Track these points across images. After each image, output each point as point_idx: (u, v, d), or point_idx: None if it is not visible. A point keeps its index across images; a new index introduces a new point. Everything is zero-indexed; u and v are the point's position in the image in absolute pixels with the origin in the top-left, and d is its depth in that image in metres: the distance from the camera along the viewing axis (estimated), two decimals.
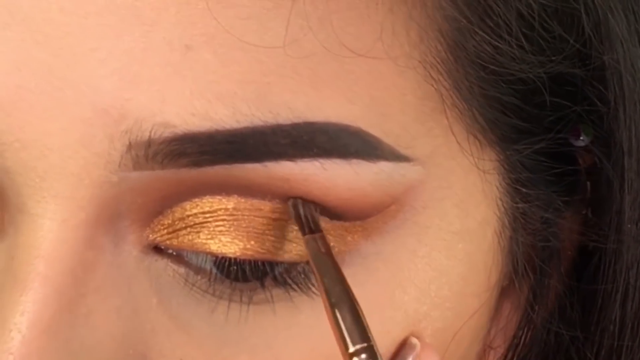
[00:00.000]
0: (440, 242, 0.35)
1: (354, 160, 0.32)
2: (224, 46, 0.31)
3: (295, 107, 0.31)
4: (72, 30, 0.31)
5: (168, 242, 0.33)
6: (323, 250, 0.32)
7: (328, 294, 0.31)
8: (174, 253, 0.33)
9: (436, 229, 0.35)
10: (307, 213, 0.32)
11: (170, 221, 0.33)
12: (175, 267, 0.33)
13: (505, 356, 0.40)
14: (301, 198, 0.32)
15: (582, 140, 0.38)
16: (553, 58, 0.34)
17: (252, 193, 0.32)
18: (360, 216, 0.33)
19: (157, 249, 0.33)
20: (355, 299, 0.31)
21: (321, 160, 0.32)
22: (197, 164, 0.31)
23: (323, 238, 0.32)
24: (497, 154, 0.36)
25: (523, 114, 0.35)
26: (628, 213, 0.38)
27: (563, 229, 0.39)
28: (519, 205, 0.37)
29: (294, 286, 0.33)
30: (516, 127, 0.35)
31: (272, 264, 0.33)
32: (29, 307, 0.31)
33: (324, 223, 0.33)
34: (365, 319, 0.32)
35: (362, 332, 0.31)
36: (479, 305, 0.37)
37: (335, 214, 0.33)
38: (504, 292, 0.39)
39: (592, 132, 0.38)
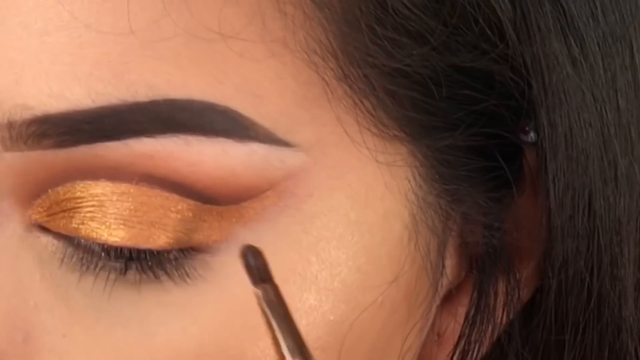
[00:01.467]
0: (330, 233, 0.34)
1: (222, 139, 0.32)
2: (79, 30, 0.32)
3: (155, 85, 0.32)
4: None
5: (47, 224, 0.33)
6: (275, 300, 0.31)
7: (280, 347, 0.31)
8: (56, 230, 0.34)
9: (324, 219, 0.34)
10: (258, 263, 0.32)
11: (47, 204, 0.33)
12: (56, 242, 0.34)
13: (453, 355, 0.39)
14: (169, 179, 0.32)
15: (531, 137, 0.37)
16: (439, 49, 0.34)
17: (119, 176, 0.32)
18: (233, 199, 0.33)
19: (40, 227, 0.34)
20: (309, 353, 0.31)
21: (182, 137, 0.32)
22: (60, 144, 0.32)
23: (275, 288, 0.31)
24: (407, 148, 0.35)
25: (427, 108, 0.35)
26: (554, 208, 0.37)
27: (508, 223, 0.38)
28: (439, 200, 0.36)
29: (163, 273, 0.33)
30: (422, 121, 0.35)
31: (140, 251, 0.33)
32: None
33: (196, 208, 0.33)
34: None
35: None
36: (385, 300, 0.35)
37: (207, 196, 0.33)
38: (455, 284, 0.38)
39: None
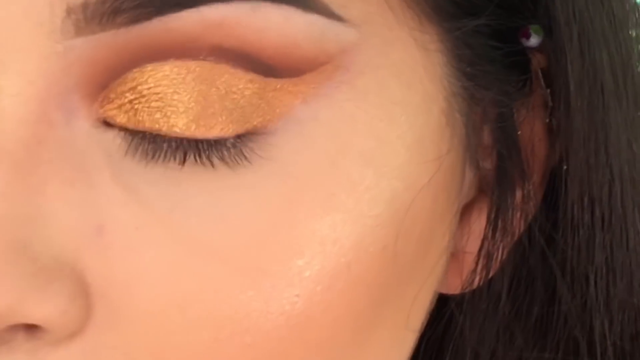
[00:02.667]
0: (380, 111, 0.35)
1: (285, 7, 0.33)
2: None
3: None
4: None
5: (114, 117, 0.34)
6: None
7: None
8: (122, 124, 0.34)
9: (375, 97, 0.35)
10: None
11: (113, 95, 0.34)
12: (122, 135, 0.34)
13: (478, 260, 0.40)
14: (237, 48, 0.33)
15: (532, 41, 0.39)
16: None
17: (188, 51, 0.33)
18: (294, 71, 0.34)
19: (106, 122, 0.34)
20: None
21: (251, 3, 0.33)
22: (134, 19, 0.32)
23: None
24: (438, 31, 0.36)
25: None
26: (572, 92, 0.38)
27: (521, 124, 0.39)
28: (466, 85, 0.37)
29: (225, 158, 0.34)
30: (453, 1, 0.36)
31: (206, 141, 0.34)
32: None
33: (259, 83, 0.33)
34: None
35: None
36: (429, 180, 0.36)
37: (270, 66, 0.33)
38: (469, 200, 0.39)
39: (542, 31, 0.39)
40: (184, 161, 0.34)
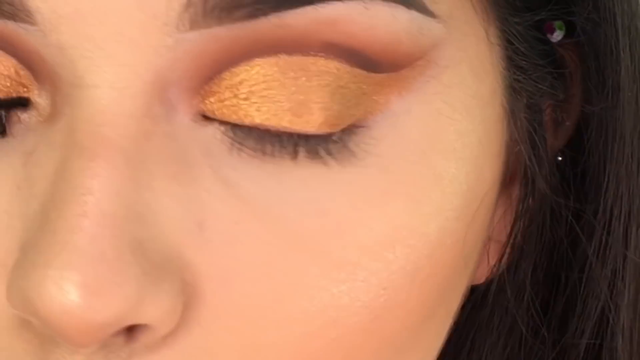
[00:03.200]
0: (461, 104, 0.36)
1: (392, 4, 0.33)
2: None
3: None
4: None
5: (215, 112, 0.33)
6: None
7: None
8: (222, 118, 0.34)
9: (456, 90, 0.36)
10: None
11: (217, 89, 0.33)
12: (222, 130, 0.34)
13: (505, 249, 0.41)
14: (346, 45, 0.33)
15: (556, 36, 0.40)
16: None
17: (299, 47, 0.33)
18: (394, 66, 0.34)
19: (206, 117, 0.34)
20: None
21: (364, 1, 0.33)
22: (252, 15, 0.32)
23: None
24: (502, 26, 0.37)
25: None
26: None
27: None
28: (518, 78, 0.38)
29: (330, 154, 0.34)
30: None
31: (308, 137, 0.34)
32: (99, 171, 0.32)
33: (363, 77, 0.34)
34: None
35: None
36: (492, 176, 0.38)
37: (374, 62, 0.34)
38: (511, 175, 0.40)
39: (564, 27, 0.40)
40: (292, 156, 0.34)
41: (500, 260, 0.41)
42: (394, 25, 0.33)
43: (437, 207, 0.35)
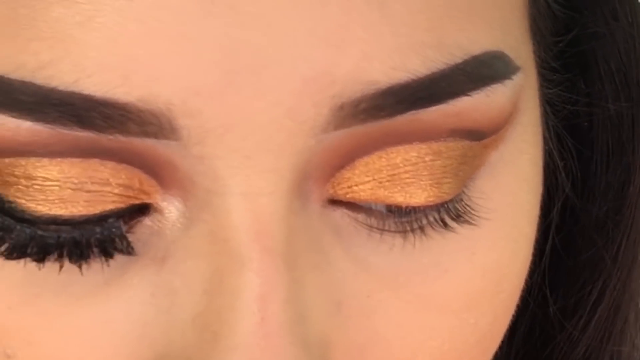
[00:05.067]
0: (531, 138, 0.38)
1: (501, 82, 0.35)
2: None
3: (463, 45, 0.33)
4: (278, 5, 0.31)
5: (348, 195, 0.34)
6: None
7: None
8: (352, 201, 0.34)
9: (530, 126, 0.38)
10: None
11: (350, 175, 0.34)
12: (350, 213, 0.34)
13: None
14: (466, 128, 0.34)
15: None
16: None
17: (430, 135, 0.34)
18: (496, 130, 0.36)
19: (333, 201, 0.34)
20: None
21: (485, 89, 0.34)
22: (392, 114, 0.33)
23: None
24: (535, 45, 0.39)
25: (556, 11, 0.40)
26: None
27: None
28: (548, 92, 0.41)
29: (462, 217, 0.36)
30: (553, 19, 0.40)
31: (444, 204, 0.35)
32: (267, 279, 0.32)
33: (474, 146, 0.35)
34: None
35: None
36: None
37: (484, 134, 0.35)
38: None
39: None
40: (414, 227, 0.35)
41: None
42: (503, 101, 0.35)
43: (528, 240, 0.38)
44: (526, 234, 0.38)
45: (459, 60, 0.33)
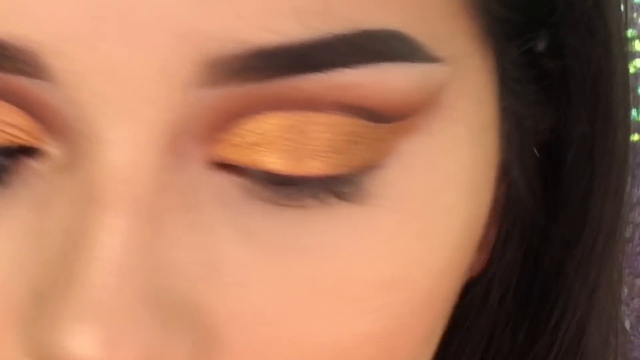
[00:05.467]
0: (463, 138, 0.37)
1: (401, 63, 0.34)
2: None
3: (354, 17, 0.33)
4: None
5: (230, 159, 0.34)
6: None
7: None
8: (234, 164, 0.34)
9: (460, 125, 0.37)
10: None
11: (231, 137, 0.34)
12: (235, 178, 0.34)
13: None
14: (355, 105, 0.34)
15: (540, 45, 0.41)
16: None
17: (311, 106, 0.33)
18: (402, 116, 0.35)
19: (218, 164, 0.34)
20: None
21: (374, 65, 0.34)
22: (268, 77, 0.32)
23: None
24: (498, 54, 0.38)
25: (521, 7, 0.38)
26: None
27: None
28: (511, 103, 0.39)
29: (347, 196, 0.35)
30: (514, 23, 0.38)
31: (326, 177, 0.34)
32: (117, 227, 0.32)
33: (374, 129, 0.35)
34: None
35: None
36: (490, 200, 0.39)
37: (384, 117, 0.35)
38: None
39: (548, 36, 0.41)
40: (305, 201, 0.34)
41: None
42: (403, 83, 0.34)
43: (443, 241, 0.37)
44: (445, 237, 0.37)
45: (345, 31, 0.33)
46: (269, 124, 0.34)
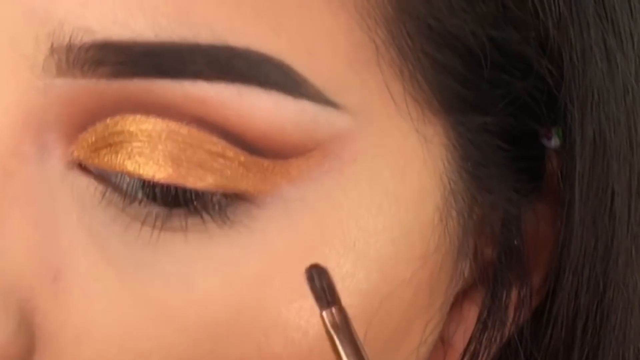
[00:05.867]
0: (369, 201, 0.34)
1: (274, 93, 0.32)
2: None
3: (216, 29, 0.32)
4: None
5: (90, 160, 0.33)
6: (342, 324, 0.31)
7: None
8: (97, 172, 0.33)
9: (365, 185, 0.34)
10: (324, 284, 0.32)
11: (93, 139, 0.33)
12: (96, 184, 0.33)
13: (463, 357, 0.39)
14: (219, 125, 0.32)
15: (553, 142, 0.37)
16: (485, 15, 0.34)
17: (170, 114, 0.32)
18: (280, 155, 0.33)
19: (81, 166, 0.33)
20: None
21: (238, 86, 0.32)
22: (115, 74, 0.32)
23: (341, 310, 0.31)
24: (443, 125, 0.35)
25: (467, 82, 0.35)
26: (579, 206, 0.37)
27: (526, 228, 0.38)
28: (468, 185, 0.36)
29: (208, 216, 0.33)
30: (460, 95, 0.35)
31: (186, 191, 0.33)
32: None
33: (244, 157, 0.33)
34: None
35: None
36: (413, 278, 0.35)
37: (254, 148, 0.33)
38: (464, 293, 0.38)
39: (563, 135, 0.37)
40: (170, 213, 0.33)
41: None
42: (275, 116, 0.32)
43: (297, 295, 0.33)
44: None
45: (203, 41, 0.32)
46: (127, 127, 0.33)
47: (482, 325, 0.38)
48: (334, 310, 0.31)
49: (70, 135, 0.33)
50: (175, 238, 0.33)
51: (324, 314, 0.31)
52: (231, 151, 0.32)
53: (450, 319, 0.38)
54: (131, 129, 0.32)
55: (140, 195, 0.33)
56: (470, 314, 0.38)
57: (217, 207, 0.33)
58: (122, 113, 0.32)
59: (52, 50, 0.32)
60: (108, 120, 0.33)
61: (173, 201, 0.33)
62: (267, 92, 0.32)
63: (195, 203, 0.33)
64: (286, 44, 0.32)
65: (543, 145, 0.37)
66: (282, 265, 0.33)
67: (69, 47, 0.32)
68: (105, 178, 0.33)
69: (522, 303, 0.38)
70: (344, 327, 0.31)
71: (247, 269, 0.33)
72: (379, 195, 0.34)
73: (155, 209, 0.33)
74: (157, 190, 0.33)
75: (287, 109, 0.32)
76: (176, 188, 0.33)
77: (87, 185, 0.33)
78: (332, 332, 0.30)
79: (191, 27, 0.31)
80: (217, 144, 0.32)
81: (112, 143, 0.33)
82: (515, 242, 0.37)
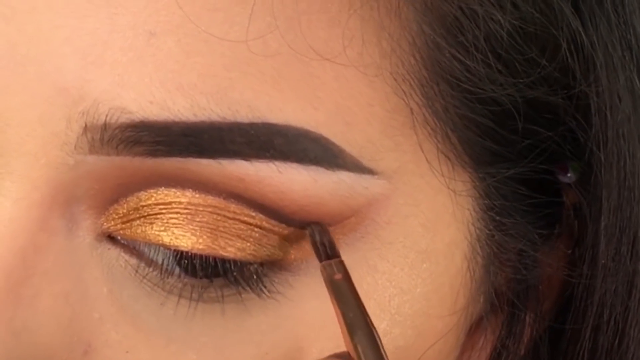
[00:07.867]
0: (403, 260, 0.34)
1: (313, 167, 0.32)
2: (188, 36, 0.31)
3: (255, 107, 0.31)
4: (38, 6, 0.31)
5: (122, 231, 0.33)
6: (340, 276, 0.32)
7: (345, 319, 0.31)
8: (127, 243, 0.33)
9: (399, 246, 0.34)
10: (325, 239, 0.32)
11: (125, 210, 0.32)
12: (127, 257, 0.33)
13: None
14: (257, 201, 0.32)
15: (569, 177, 0.38)
16: (523, 81, 0.34)
17: (207, 189, 0.32)
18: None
19: (111, 238, 0.33)
20: (372, 325, 0.31)
21: (277, 163, 0.32)
22: (152, 153, 0.31)
23: (340, 264, 0.32)
24: (471, 177, 0.35)
25: (497, 137, 0.35)
26: (602, 247, 0.37)
27: (542, 264, 0.38)
28: (493, 233, 0.36)
29: (246, 287, 0.33)
30: (490, 150, 0.35)
31: (224, 262, 0.32)
32: None
33: (281, 228, 0.32)
34: (382, 345, 0.31)
35: (377, 356, 0.31)
36: (444, 328, 0.36)
37: (292, 219, 0.32)
38: (478, 323, 0.38)
39: (579, 169, 0.37)
40: (207, 286, 0.33)
41: None
42: (314, 189, 0.32)
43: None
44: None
45: (243, 119, 0.31)
46: (163, 199, 0.32)
47: (497, 354, 0.39)
48: (335, 262, 0.31)
49: (100, 208, 0.32)
50: (211, 309, 0.33)
51: (324, 264, 0.31)
52: (269, 223, 0.32)
53: (464, 349, 0.39)
54: (166, 200, 0.32)
55: (177, 269, 0.32)
56: (482, 346, 0.39)
57: (254, 276, 0.33)
58: (156, 187, 0.32)
59: (86, 129, 0.31)
60: (141, 194, 0.32)
61: (212, 272, 0.32)
62: (305, 167, 0.32)
63: (234, 273, 0.32)
64: (324, 116, 0.32)
65: (559, 184, 0.38)
66: (318, 332, 0.33)
67: (104, 127, 0.31)
68: (136, 250, 0.33)
69: (535, 331, 0.39)
70: (344, 278, 0.31)
71: (283, 338, 0.33)
72: (412, 254, 0.34)
73: (192, 281, 0.32)
74: (196, 261, 0.32)
75: (325, 181, 0.32)
76: (215, 259, 0.32)
77: (116, 257, 0.33)
78: (332, 283, 0.31)
79: (230, 105, 0.31)
80: (255, 217, 0.32)
81: (145, 215, 0.32)
82: (534, 281, 0.38)
